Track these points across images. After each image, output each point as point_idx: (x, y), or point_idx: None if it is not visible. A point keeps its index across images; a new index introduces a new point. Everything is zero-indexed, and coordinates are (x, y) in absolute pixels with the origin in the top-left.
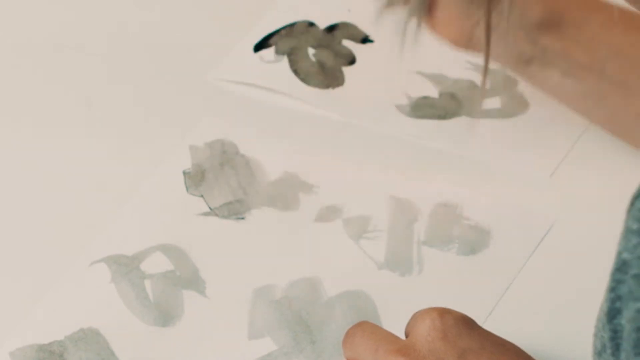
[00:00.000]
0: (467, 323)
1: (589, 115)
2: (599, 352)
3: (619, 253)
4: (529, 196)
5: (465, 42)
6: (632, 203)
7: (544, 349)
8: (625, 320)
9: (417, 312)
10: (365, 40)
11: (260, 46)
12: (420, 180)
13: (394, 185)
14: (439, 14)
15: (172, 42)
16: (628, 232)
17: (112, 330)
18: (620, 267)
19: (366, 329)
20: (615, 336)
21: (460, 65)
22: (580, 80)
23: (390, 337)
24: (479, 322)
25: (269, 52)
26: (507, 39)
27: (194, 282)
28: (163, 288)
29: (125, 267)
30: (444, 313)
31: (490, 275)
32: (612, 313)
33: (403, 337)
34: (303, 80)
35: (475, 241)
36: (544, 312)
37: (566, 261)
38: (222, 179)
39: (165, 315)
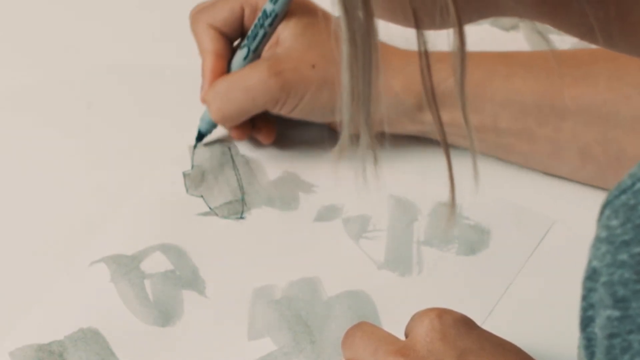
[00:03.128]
0: (466, 323)
1: (507, 160)
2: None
3: (590, 261)
4: (528, 196)
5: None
6: (601, 212)
7: (543, 349)
8: (597, 328)
9: (416, 313)
10: None
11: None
12: (419, 179)
13: (393, 185)
14: None
15: (171, 42)
16: (597, 240)
17: (111, 330)
18: (591, 276)
19: (365, 330)
20: (589, 344)
21: None
22: (481, 140)
23: (390, 338)
24: (479, 322)
25: None
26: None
27: (194, 282)
28: (163, 288)
29: (124, 267)
30: (443, 314)
31: (490, 275)
32: (585, 322)
33: (403, 337)
34: None
35: (475, 241)
36: (544, 312)
37: (566, 261)
38: (222, 179)
39: (165, 315)
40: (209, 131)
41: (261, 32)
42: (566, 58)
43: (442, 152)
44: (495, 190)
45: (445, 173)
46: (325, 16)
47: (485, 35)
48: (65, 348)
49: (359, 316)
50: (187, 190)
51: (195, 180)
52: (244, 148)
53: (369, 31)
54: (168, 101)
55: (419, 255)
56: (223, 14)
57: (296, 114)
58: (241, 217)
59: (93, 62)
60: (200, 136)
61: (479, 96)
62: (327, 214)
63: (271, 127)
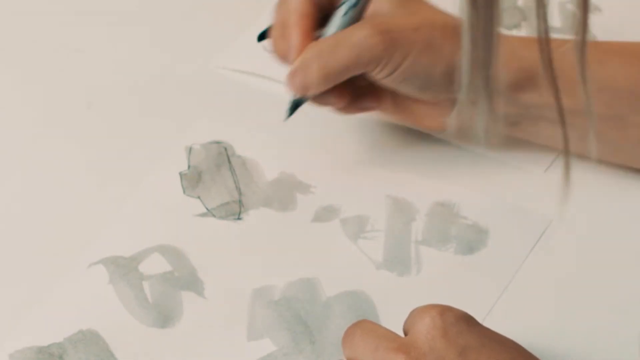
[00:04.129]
0: (467, 320)
1: (590, 154)
2: None
3: None
4: (526, 194)
5: (450, 127)
6: None
7: (543, 347)
8: None
9: (415, 309)
10: None
11: (263, 36)
12: (417, 179)
13: (391, 185)
14: (419, 107)
15: (172, 42)
16: None
17: (111, 331)
18: None
19: (365, 328)
20: None
21: None
22: (571, 125)
23: (390, 335)
24: (478, 321)
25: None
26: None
27: (193, 283)
28: (161, 289)
29: (123, 268)
30: (444, 311)
31: (489, 274)
32: None
33: (402, 335)
34: None
35: (473, 240)
36: (543, 310)
37: (564, 259)
38: (219, 180)
39: (164, 316)
40: (304, 100)
41: None
42: None
43: (442, 147)
44: (494, 190)
45: (446, 173)
46: None
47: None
48: (65, 350)
49: (358, 316)
50: (184, 191)
51: (192, 180)
52: (240, 148)
53: None
54: (168, 101)
55: (417, 255)
56: None
57: (394, 77)
58: (238, 218)
59: (93, 62)
60: (295, 105)
61: (572, 80)
62: (324, 214)
63: (376, 94)
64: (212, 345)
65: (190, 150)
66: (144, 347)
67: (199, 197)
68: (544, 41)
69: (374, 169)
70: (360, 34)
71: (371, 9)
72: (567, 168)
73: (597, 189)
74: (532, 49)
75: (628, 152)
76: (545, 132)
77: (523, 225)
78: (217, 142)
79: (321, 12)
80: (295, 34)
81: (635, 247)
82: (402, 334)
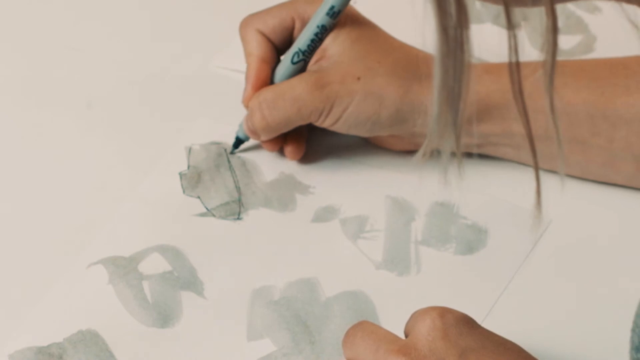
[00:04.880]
0: (467, 322)
1: (560, 172)
2: (637, 347)
3: None
4: (526, 194)
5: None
6: None
7: (542, 348)
8: None
9: (416, 312)
10: None
11: None
12: (417, 179)
13: (390, 185)
14: (383, 139)
15: (171, 42)
16: None
17: (110, 331)
18: None
19: (366, 329)
20: None
21: None
22: (537, 149)
23: (391, 337)
24: (478, 321)
25: None
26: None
27: (192, 283)
28: (161, 289)
29: (122, 268)
30: (444, 312)
31: (489, 274)
32: None
33: (402, 336)
34: None
35: (472, 240)
36: (543, 310)
37: (564, 259)
38: (219, 180)
39: (163, 316)
40: (247, 138)
41: (313, 42)
42: (617, 66)
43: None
44: (493, 190)
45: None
46: (375, 28)
47: (486, 34)
48: (65, 350)
49: (357, 316)
50: (183, 191)
51: (192, 180)
52: (240, 149)
53: (460, 18)
54: (168, 101)
55: (417, 255)
56: (273, 22)
57: (339, 126)
58: (238, 218)
59: (93, 61)
60: (238, 142)
61: (530, 107)
62: (324, 214)
63: (301, 144)
64: (212, 345)
65: (190, 150)
66: (143, 347)
67: (198, 197)
68: (514, 70)
69: (373, 169)
70: (302, 87)
71: (322, 48)
72: (538, 194)
73: (596, 189)
74: (485, 80)
75: (595, 172)
76: (509, 156)
77: (523, 225)
78: (217, 143)
79: (280, 48)
80: (249, 77)
81: (635, 247)
82: (402, 335)
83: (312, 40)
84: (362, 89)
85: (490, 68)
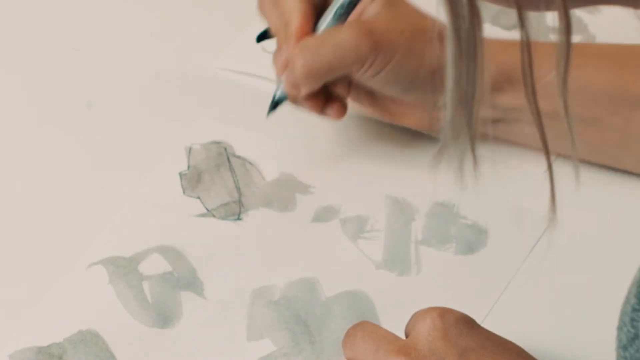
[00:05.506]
0: (467, 322)
1: (568, 153)
2: (624, 346)
3: None
4: (526, 194)
5: (429, 125)
6: None
7: (542, 347)
8: None
9: (417, 312)
10: None
11: (262, 36)
12: (417, 179)
13: (391, 185)
14: (398, 106)
15: (171, 42)
16: None
17: (111, 332)
18: None
19: (366, 329)
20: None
21: None
22: (549, 127)
23: (391, 337)
24: (478, 321)
25: (271, 43)
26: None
27: (192, 283)
28: (161, 290)
29: (123, 269)
30: (444, 313)
31: (488, 275)
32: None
33: (403, 337)
34: None
35: (472, 240)
36: (543, 310)
37: (564, 259)
38: (219, 180)
39: (163, 316)
40: (286, 97)
41: None
42: (637, 51)
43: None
44: (493, 190)
45: (446, 173)
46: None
47: (485, 34)
48: (65, 350)
49: (357, 316)
50: (184, 191)
51: (192, 180)
52: (240, 148)
53: (473, 21)
54: (168, 101)
55: (417, 254)
56: None
57: (379, 80)
58: (238, 219)
59: (93, 62)
60: (275, 104)
61: (550, 83)
62: (324, 214)
63: (344, 101)
64: (212, 345)
65: (190, 150)
66: (143, 348)
67: (198, 197)
68: (525, 46)
69: (373, 169)
70: (345, 35)
71: (359, 9)
72: (550, 172)
73: (597, 189)
74: (509, 52)
75: (606, 153)
76: (522, 134)
77: (523, 226)
78: (217, 142)
79: (317, 10)
80: (292, 32)
81: (635, 247)
82: (402, 336)
83: None
84: (405, 44)
85: (517, 43)
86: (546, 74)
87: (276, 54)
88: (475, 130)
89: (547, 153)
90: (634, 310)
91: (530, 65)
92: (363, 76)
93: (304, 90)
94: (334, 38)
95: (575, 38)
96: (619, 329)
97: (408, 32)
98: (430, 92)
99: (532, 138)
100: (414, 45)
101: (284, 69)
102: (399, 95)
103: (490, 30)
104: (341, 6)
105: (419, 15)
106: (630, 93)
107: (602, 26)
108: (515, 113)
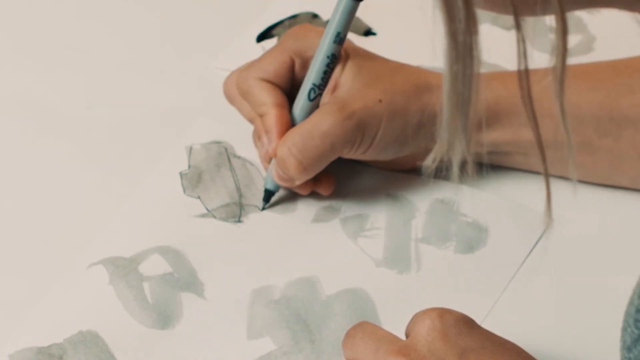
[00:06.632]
0: (467, 323)
1: (566, 175)
2: (628, 347)
3: None
4: (526, 194)
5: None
6: None
7: (542, 347)
8: None
9: (417, 313)
10: (368, 33)
11: (263, 36)
12: (417, 177)
13: (391, 183)
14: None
15: (171, 42)
16: None
17: (111, 332)
18: None
19: (366, 330)
20: None
21: None
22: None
23: (391, 338)
24: (478, 321)
25: (271, 43)
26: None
27: (193, 284)
28: (161, 290)
29: (123, 269)
30: (444, 313)
31: (488, 273)
32: None
33: (403, 337)
34: None
35: (473, 238)
36: (543, 310)
37: (564, 259)
38: (219, 180)
39: (164, 317)
40: (277, 188)
41: (326, 74)
42: (619, 67)
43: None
44: (493, 188)
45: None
46: (370, 53)
47: (485, 35)
48: (65, 351)
49: (358, 315)
50: (184, 191)
51: (192, 180)
52: (240, 149)
53: (469, 24)
54: (168, 101)
55: (417, 253)
56: (273, 66)
57: (370, 154)
58: (239, 221)
59: (93, 62)
60: (268, 195)
61: (538, 113)
62: (324, 215)
63: (331, 178)
64: (213, 345)
65: (190, 150)
66: (144, 348)
67: (199, 198)
68: (523, 76)
69: (373, 168)
70: (329, 122)
71: (332, 78)
72: (548, 200)
73: (597, 190)
74: (492, 86)
75: (600, 175)
76: (517, 163)
77: (523, 225)
78: (217, 142)
79: (286, 92)
80: (271, 127)
81: (635, 247)
82: (402, 336)
83: (325, 72)
84: (386, 110)
85: (498, 75)
86: (542, 79)
87: (256, 140)
88: (470, 133)
89: (543, 156)
90: (638, 311)
91: (526, 69)
92: (355, 154)
93: (298, 183)
94: (318, 128)
95: (576, 38)
96: (623, 330)
97: (385, 97)
98: (423, 140)
99: (525, 166)
100: (394, 108)
101: (269, 160)
102: (393, 156)
103: (490, 31)
104: (313, 89)
105: (388, 69)
106: (617, 112)
107: (602, 26)
108: (505, 147)
